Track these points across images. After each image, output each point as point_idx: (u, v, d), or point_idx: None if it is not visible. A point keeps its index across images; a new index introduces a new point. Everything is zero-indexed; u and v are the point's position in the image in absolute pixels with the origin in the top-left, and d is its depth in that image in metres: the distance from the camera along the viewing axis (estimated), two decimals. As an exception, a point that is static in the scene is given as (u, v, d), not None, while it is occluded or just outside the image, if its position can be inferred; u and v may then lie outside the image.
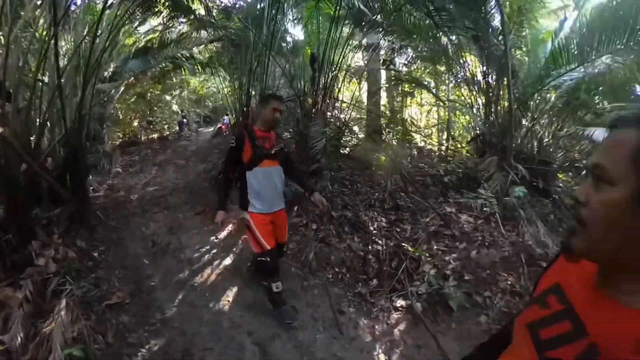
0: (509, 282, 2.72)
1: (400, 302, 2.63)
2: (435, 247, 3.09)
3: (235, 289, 2.80)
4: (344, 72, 5.75)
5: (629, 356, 0.45)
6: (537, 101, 4.62)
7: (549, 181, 4.33)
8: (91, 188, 5.16)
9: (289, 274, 2.95)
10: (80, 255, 3.05)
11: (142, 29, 7.20)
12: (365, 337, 2.35)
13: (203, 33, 6.25)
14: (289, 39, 6.23)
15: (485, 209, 3.48)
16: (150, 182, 6.13)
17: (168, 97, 12.39)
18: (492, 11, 4.10)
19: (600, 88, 4.42)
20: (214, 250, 3.44)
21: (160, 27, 6.77)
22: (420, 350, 2.25)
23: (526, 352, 0.58)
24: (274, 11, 4.67)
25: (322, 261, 3.07)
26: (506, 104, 4.34)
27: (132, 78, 7.29)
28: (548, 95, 4.59)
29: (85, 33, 4.67)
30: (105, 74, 6.40)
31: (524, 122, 4.59)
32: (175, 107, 12.78)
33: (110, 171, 6.65)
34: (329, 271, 3.00)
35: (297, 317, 2.41)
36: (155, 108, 12.12)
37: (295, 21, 5.92)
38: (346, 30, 4.95)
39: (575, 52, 3.88)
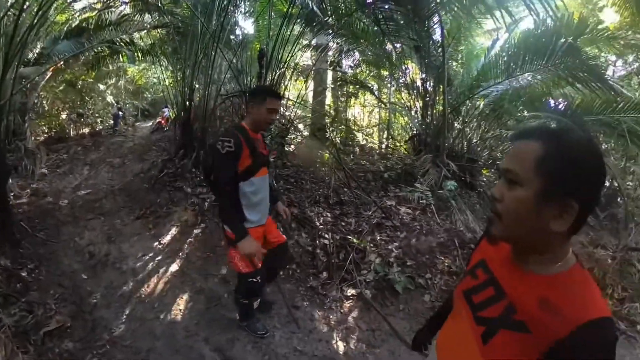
0: (446, 264, 3.09)
1: (350, 291, 2.82)
2: (378, 238, 3.35)
3: (185, 296, 2.72)
4: (292, 70, 5.77)
5: (535, 311, 0.60)
6: (468, 107, 5.28)
7: (475, 176, 4.96)
8: (12, 194, 4.44)
9: (239, 275, 2.96)
10: (6, 276, 2.65)
11: (78, 5, 6.36)
12: (321, 327, 2.49)
13: (147, 17, 5.73)
14: (238, 32, 6.04)
15: (422, 201, 3.86)
16: (82, 185, 5.50)
17: (102, 87, 10.94)
18: (435, 26, 4.49)
19: (522, 99, 5.13)
20: (159, 257, 3.25)
21: (99, 5, 6.00)
22: (374, 333, 2.45)
23: (464, 314, 0.74)
24: (225, 1, 4.50)
25: (272, 259, 3.14)
26: (441, 108, 4.84)
27: (62, 62, 6.39)
28: (478, 103, 5.24)
29: (9, 4, 4.00)
30: (30, 55, 5.53)
31: (456, 124, 5.20)
32: (110, 98, 11.42)
33: (34, 173, 5.67)
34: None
35: (267, 326, 2.38)
36: (87, 98, 10.61)
37: (247, 14, 5.78)
38: (297, 28, 4.98)
39: (503, 68, 4.48)
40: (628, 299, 2.93)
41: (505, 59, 4.52)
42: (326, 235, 3.37)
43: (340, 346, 2.35)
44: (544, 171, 0.59)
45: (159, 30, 5.91)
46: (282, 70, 5.20)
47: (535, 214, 0.60)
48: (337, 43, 5.79)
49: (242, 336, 2.31)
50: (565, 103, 4.86)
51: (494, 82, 4.54)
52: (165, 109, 9.19)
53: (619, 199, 4.41)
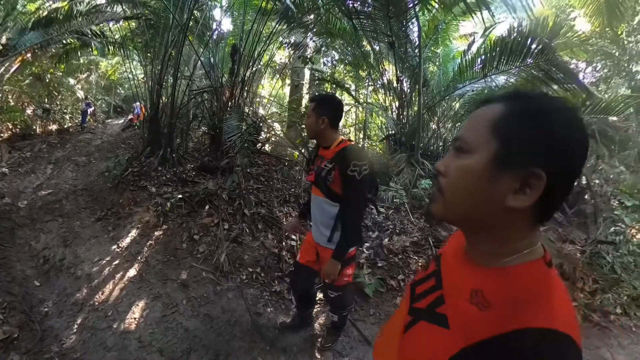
0: (419, 264, 3.04)
1: (318, 295, 2.68)
2: (349, 239, 3.27)
3: (141, 303, 2.56)
4: (267, 67, 5.64)
5: (462, 304, 0.51)
6: (444, 108, 5.38)
7: (451, 175, 5.01)
8: (-33, 196, 4.12)
9: (200, 279, 2.80)
10: (-48, 285, 2.43)
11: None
12: (285, 335, 2.35)
13: (118, 8, 5.45)
14: (214, 26, 5.86)
15: (395, 200, 3.81)
16: (44, 185, 5.18)
17: (72, 81, 10.39)
18: (411, 25, 4.50)
19: (496, 99, 5.24)
20: (116, 261, 3.07)
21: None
22: (342, 340, 2.35)
23: (404, 306, 0.67)
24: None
25: (235, 262, 2.98)
26: (416, 108, 4.83)
27: (29, 54, 6.00)
28: (453, 104, 5.34)
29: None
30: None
31: (431, 125, 5.22)
32: (80, 94, 10.86)
33: (-7, 172, 5.43)
34: (243, 272, 2.92)
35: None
36: (55, 93, 10.06)
37: (221, 9, 5.64)
38: (273, 25, 4.85)
39: (479, 69, 4.53)
40: (600, 290, 2.96)
41: (482, 57, 4.57)
42: (293, 237, 3.26)
43: (306, 355, 2.23)
44: (502, 131, 0.49)
45: (130, 22, 5.65)
46: (257, 67, 5.05)
47: (487, 184, 0.49)
48: (314, 41, 5.68)
49: (198, 346, 2.19)
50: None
51: (469, 83, 4.60)
52: (137, 106, 8.82)
53: (586, 196, 4.51)
